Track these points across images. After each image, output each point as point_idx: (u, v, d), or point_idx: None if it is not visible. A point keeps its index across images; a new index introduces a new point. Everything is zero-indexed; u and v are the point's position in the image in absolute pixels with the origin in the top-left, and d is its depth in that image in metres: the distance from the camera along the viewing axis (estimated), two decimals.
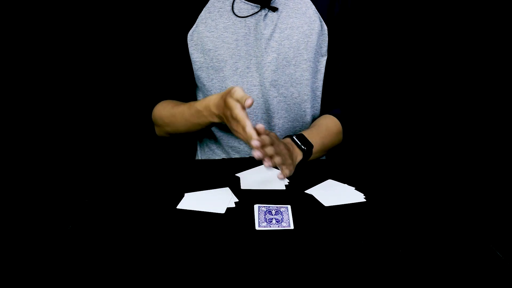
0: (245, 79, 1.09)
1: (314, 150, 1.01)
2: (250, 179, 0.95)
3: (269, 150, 0.84)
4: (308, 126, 1.15)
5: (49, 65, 1.53)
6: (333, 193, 0.89)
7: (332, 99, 1.17)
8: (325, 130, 1.09)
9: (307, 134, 1.03)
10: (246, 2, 1.07)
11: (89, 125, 1.58)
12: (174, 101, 1.12)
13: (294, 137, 1.00)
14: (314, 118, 1.16)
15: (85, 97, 1.57)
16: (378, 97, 1.63)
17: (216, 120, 0.96)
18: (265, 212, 0.81)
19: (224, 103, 0.88)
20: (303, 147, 0.98)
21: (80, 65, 1.55)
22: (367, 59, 1.54)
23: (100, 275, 0.66)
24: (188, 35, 1.09)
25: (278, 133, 1.13)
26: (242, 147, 1.14)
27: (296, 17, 1.08)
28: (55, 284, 0.64)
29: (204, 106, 0.96)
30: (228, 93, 0.87)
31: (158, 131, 1.16)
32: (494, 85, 1.56)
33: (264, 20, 1.07)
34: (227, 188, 0.90)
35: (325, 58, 1.13)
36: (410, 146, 1.60)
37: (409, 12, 1.54)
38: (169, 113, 1.08)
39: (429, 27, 1.56)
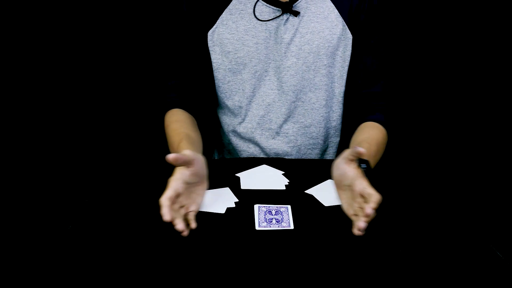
0: (262, 83, 1.09)
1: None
2: (250, 179, 0.95)
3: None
4: (323, 131, 1.13)
5: (53, 64, 1.53)
6: (333, 193, 0.89)
7: (368, 101, 1.12)
8: (376, 146, 1.00)
9: (368, 155, 0.89)
10: (268, 5, 1.05)
11: (90, 125, 1.58)
12: (182, 118, 1.08)
13: (361, 167, 0.81)
14: (328, 124, 1.14)
15: (85, 97, 1.57)
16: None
17: None
18: (265, 212, 0.81)
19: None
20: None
21: (83, 64, 1.55)
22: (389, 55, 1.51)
23: (100, 275, 0.66)
24: (208, 35, 1.08)
25: (292, 137, 1.11)
26: (252, 150, 1.13)
27: (317, 21, 1.06)
28: (55, 284, 0.64)
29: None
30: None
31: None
32: (494, 86, 1.56)
33: (285, 24, 1.05)
34: (227, 188, 0.90)
35: (347, 63, 1.10)
36: (410, 146, 1.60)
37: (424, 11, 1.54)
38: (167, 132, 1.05)
39: (438, 28, 1.56)
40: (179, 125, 1.05)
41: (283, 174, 0.98)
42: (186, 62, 1.12)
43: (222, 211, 0.82)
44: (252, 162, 1.02)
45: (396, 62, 1.58)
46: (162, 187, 0.91)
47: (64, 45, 1.52)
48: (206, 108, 1.22)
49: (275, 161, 1.04)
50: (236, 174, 0.96)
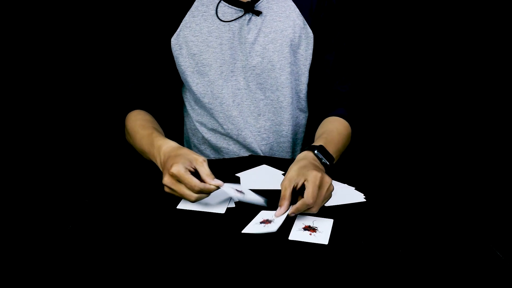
0: (229, 83, 1.09)
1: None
2: (250, 179, 0.95)
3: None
4: (292, 128, 1.14)
5: (48, 65, 1.53)
6: (333, 193, 0.89)
7: (332, 98, 1.15)
8: (338, 135, 1.04)
9: (325, 144, 0.95)
10: (230, 6, 1.07)
11: (89, 125, 1.58)
12: (147, 117, 1.09)
13: (316, 152, 0.91)
14: (296, 121, 1.16)
15: (85, 97, 1.57)
16: (376, 96, 1.62)
17: (157, 163, 0.93)
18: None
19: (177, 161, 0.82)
20: (327, 163, 0.92)
21: (83, 64, 1.55)
22: (361, 54, 1.52)
23: (100, 275, 0.66)
24: (172, 39, 1.09)
25: (264, 135, 1.13)
26: (231, 147, 1.14)
27: (280, 20, 1.08)
28: (55, 284, 0.64)
29: (157, 147, 0.92)
30: (192, 161, 0.84)
31: (126, 136, 1.14)
32: (494, 85, 1.56)
33: (248, 24, 1.07)
34: None
35: (309, 61, 1.12)
36: (410, 146, 1.60)
37: (400, 6, 1.54)
38: (134, 129, 1.05)
39: (427, 23, 1.56)
40: (145, 122, 1.06)
41: (283, 174, 0.98)
42: (148, 66, 1.13)
43: (222, 211, 0.83)
44: (252, 162, 1.02)
45: (392, 61, 1.58)
46: (161, 187, 0.91)
47: (63, 45, 1.52)
48: (169, 110, 1.22)
49: (275, 161, 1.05)
50: (236, 174, 0.96)
